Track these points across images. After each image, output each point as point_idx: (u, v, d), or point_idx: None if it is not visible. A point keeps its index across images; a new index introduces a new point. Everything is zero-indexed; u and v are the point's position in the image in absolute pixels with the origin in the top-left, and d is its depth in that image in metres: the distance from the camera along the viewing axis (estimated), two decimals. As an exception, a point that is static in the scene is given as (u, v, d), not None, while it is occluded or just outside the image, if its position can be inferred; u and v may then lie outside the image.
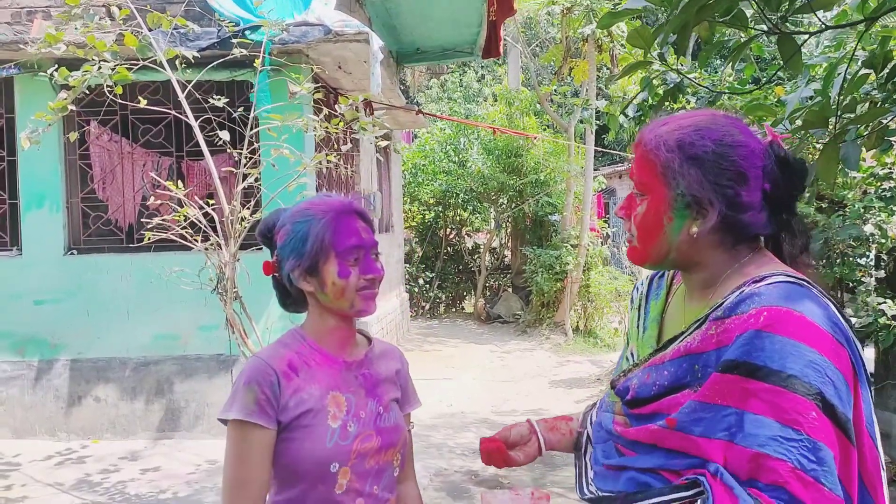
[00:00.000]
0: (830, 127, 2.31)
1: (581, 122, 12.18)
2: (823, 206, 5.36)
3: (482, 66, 22.84)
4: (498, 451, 1.57)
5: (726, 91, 4.44)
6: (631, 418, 1.36)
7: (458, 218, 14.63)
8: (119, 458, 5.66)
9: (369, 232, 1.58)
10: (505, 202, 13.61)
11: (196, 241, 4.37)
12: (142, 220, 5.62)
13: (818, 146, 4.67)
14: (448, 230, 14.66)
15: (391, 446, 1.59)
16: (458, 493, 4.95)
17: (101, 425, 6.16)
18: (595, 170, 13.60)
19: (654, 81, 4.39)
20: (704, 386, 1.21)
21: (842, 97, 2.47)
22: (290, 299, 1.62)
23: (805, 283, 1.26)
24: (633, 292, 1.62)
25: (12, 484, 5.15)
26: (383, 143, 4.64)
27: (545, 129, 14.49)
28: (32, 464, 5.57)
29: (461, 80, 22.38)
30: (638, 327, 1.50)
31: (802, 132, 2.52)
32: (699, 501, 1.17)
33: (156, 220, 4.42)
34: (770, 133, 1.34)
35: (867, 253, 5.25)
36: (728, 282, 1.31)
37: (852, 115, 2.48)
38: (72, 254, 6.30)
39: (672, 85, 3.96)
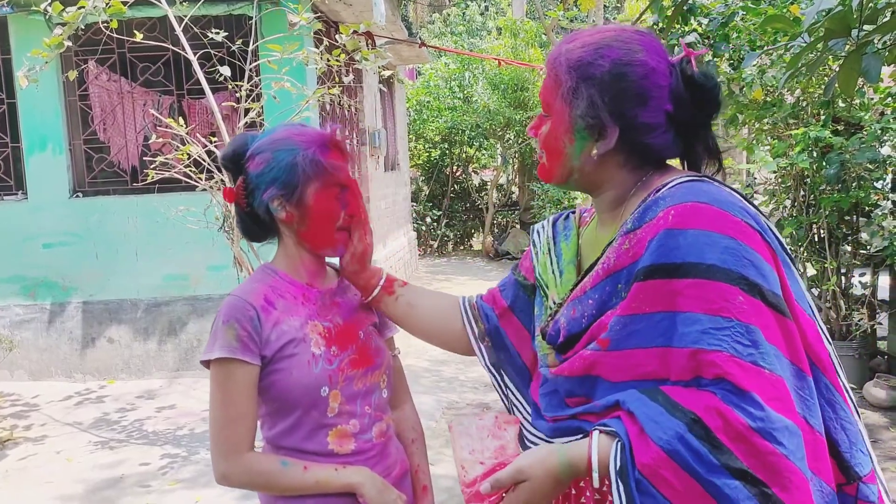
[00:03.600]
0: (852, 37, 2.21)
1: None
2: (839, 128, 5.24)
3: (486, -1, 22.29)
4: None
5: (739, 9, 4.30)
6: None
7: (464, 155, 14.48)
8: (135, 398, 5.73)
9: (348, 166, 1.56)
10: (512, 137, 13.45)
11: (200, 179, 4.33)
12: (144, 159, 5.57)
13: (834, 67, 4.55)
14: (454, 168, 14.53)
15: (376, 368, 1.59)
16: (471, 425, 4.99)
17: (115, 366, 6.23)
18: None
19: (665, 2, 4.25)
20: (627, 298, 1.17)
21: (863, 8, 2.37)
22: (261, 228, 1.58)
23: (707, 178, 1.24)
24: (535, 236, 1.54)
25: (32, 424, 5.23)
26: (387, 73, 4.53)
27: (551, 62, 14.19)
28: (50, 404, 5.65)
29: (464, 13, 21.90)
30: (553, 273, 1.43)
31: (821, 45, 2.41)
32: (615, 444, 1.12)
33: (159, 159, 4.37)
34: (685, 50, 1.28)
35: (884, 176, 5.16)
36: (634, 198, 1.28)
37: (873, 27, 2.39)
38: (77, 196, 6.26)
39: (681, 4, 3.83)
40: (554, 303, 1.39)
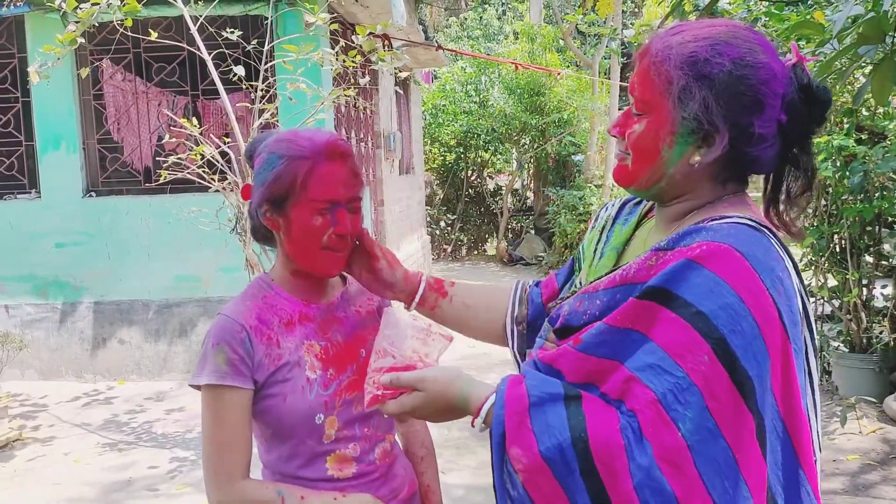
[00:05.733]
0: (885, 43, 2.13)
1: (606, 58, 11.81)
2: (863, 137, 5.14)
3: (503, 3, 22.25)
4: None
5: (763, 15, 4.23)
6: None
7: (479, 159, 14.41)
8: (145, 399, 5.70)
9: (352, 181, 1.41)
10: (527, 142, 13.37)
11: (213, 180, 4.29)
12: (158, 159, 5.54)
13: (859, 76, 4.46)
14: (469, 172, 14.47)
15: None
16: (484, 435, 4.93)
17: (126, 367, 6.21)
18: (620, 108, 13.27)
19: (686, 6, 4.17)
20: (618, 310, 1.11)
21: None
22: (260, 232, 1.50)
23: (767, 231, 1.12)
24: (601, 211, 1.46)
25: (40, 424, 5.21)
26: (403, 74, 4.48)
27: (568, 67, 14.12)
28: (59, 405, 5.63)
29: (481, 17, 21.83)
30: (595, 252, 1.35)
31: (851, 52, 2.34)
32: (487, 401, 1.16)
33: (172, 159, 4.34)
34: (796, 53, 1.16)
35: (908, 186, 5.05)
36: (695, 216, 1.18)
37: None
38: (90, 196, 6.25)
39: (704, 8, 3.75)
40: (580, 283, 1.33)
